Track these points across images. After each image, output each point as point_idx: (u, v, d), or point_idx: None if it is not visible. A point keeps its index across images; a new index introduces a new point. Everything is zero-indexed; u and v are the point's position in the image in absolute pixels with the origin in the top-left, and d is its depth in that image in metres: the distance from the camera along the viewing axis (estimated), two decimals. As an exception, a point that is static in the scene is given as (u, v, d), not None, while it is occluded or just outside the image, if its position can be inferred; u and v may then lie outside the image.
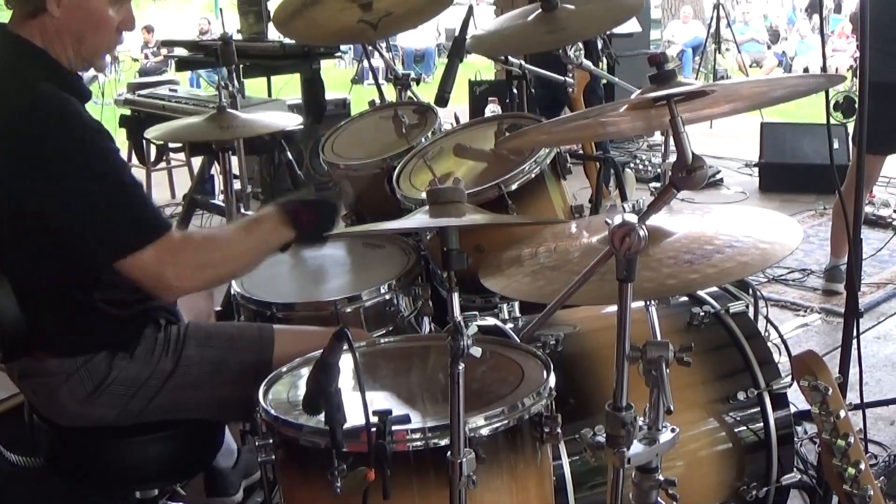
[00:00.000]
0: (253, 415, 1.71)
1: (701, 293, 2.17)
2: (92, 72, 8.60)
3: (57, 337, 1.97)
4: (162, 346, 2.04)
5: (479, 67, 7.81)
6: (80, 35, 1.93)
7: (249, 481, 2.73)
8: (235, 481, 2.67)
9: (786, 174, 6.18)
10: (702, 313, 2.10)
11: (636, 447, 1.48)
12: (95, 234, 1.83)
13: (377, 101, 3.19)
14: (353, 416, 1.50)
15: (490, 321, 2.04)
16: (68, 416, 2.02)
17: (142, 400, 2.01)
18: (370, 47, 3.31)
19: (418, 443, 1.53)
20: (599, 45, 3.96)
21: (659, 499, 1.57)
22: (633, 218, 1.37)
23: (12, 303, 1.92)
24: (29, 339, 1.95)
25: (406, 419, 1.55)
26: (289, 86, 6.96)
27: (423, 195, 1.91)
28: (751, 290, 2.31)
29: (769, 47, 15.39)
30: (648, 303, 1.83)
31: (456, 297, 1.69)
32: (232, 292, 2.42)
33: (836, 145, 5.53)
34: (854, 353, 2.30)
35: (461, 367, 1.44)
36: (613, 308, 1.44)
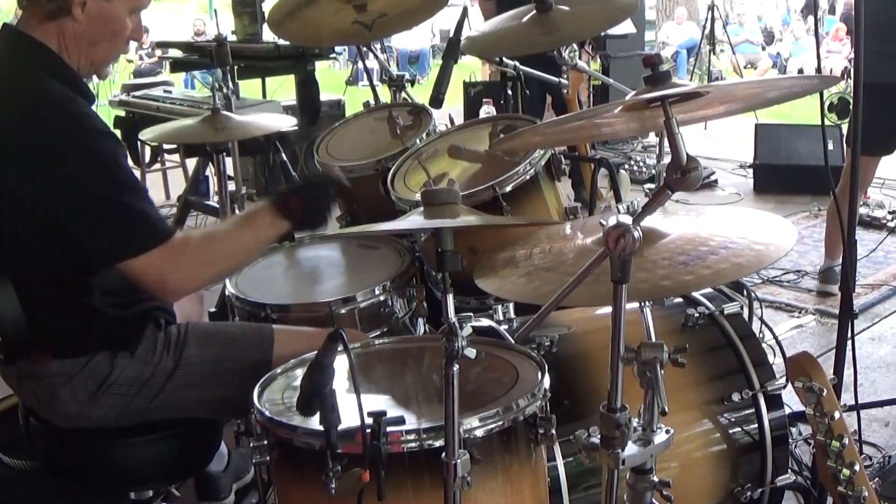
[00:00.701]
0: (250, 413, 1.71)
1: (695, 294, 2.17)
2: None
3: (58, 338, 1.97)
4: (163, 345, 2.04)
5: (473, 69, 7.82)
6: (96, 41, 1.94)
7: (241, 483, 2.72)
8: (226, 485, 2.67)
9: (780, 175, 6.18)
10: (696, 314, 2.11)
11: (631, 448, 1.48)
12: (101, 236, 1.84)
13: (372, 102, 3.19)
14: (348, 418, 1.50)
15: (485, 322, 2.04)
16: (69, 418, 2.01)
17: (143, 400, 2.01)
18: (365, 49, 3.31)
19: (413, 444, 1.53)
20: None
21: (653, 500, 1.57)
22: (627, 219, 1.38)
23: (14, 304, 1.91)
24: (30, 341, 1.95)
25: (401, 420, 1.55)
26: (283, 87, 6.95)
27: (418, 196, 1.91)
28: (745, 292, 2.31)
29: (764, 48, 15.39)
30: (643, 304, 1.83)
31: (450, 299, 1.69)
32: (226, 293, 2.41)
33: (830, 146, 5.54)
34: (849, 354, 2.30)
35: (456, 368, 1.44)
36: (608, 309, 1.44)
